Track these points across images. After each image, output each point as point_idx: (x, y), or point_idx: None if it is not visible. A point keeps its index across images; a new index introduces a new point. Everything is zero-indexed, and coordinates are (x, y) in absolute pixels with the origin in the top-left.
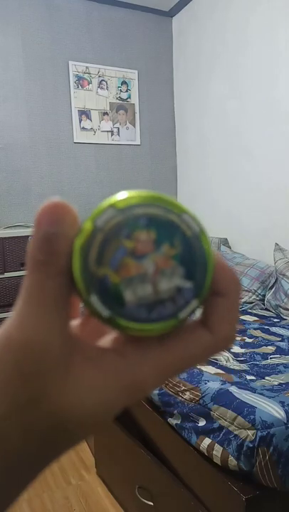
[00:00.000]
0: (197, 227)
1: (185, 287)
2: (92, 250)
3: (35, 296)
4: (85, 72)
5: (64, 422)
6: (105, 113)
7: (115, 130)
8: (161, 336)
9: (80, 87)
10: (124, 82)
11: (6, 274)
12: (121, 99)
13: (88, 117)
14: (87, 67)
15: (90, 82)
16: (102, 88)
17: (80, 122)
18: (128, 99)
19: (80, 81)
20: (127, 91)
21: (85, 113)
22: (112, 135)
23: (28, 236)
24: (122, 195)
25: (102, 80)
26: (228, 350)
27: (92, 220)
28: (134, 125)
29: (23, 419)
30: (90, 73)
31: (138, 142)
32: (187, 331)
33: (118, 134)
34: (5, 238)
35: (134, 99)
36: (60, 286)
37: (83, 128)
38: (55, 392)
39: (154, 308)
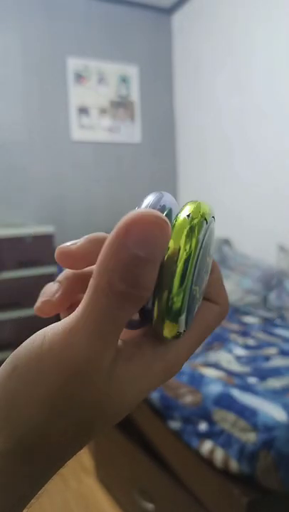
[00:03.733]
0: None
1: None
2: (194, 268)
3: (98, 322)
4: (84, 69)
5: (105, 416)
6: (105, 110)
7: (115, 128)
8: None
9: (78, 84)
10: (123, 79)
11: (4, 275)
12: (120, 96)
13: (87, 115)
14: (86, 64)
15: (89, 79)
16: (101, 85)
17: (78, 120)
18: (128, 97)
19: (78, 78)
20: (126, 88)
21: (83, 110)
22: (111, 133)
23: (25, 236)
24: (204, 207)
25: (102, 77)
26: (230, 352)
27: (196, 235)
28: (133, 122)
29: (62, 420)
30: (89, 70)
31: (138, 140)
32: (204, 306)
33: (118, 132)
34: (2, 238)
35: (134, 97)
36: (131, 315)
37: (82, 125)
38: (99, 396)
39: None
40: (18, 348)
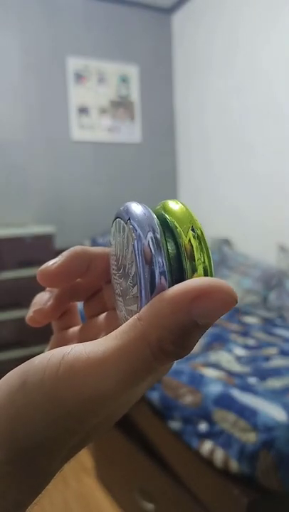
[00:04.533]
0: None
1: None
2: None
3: (133, 366)
4: (84, 69)
5: (111, 422)
6: (105, 110)
7: (115, 127)
8: None
9: (78, 84)
10: (124, 79)
11: (4, 275)
12: (121, 96)
13: (87, 114)
14: (86, 64)
15: (89, 79)
16: (101, 85)
17: (78, 119)
18: (128, 96)
19: (78, 78)
20: (126, 88)
21: (83, 110)
22: (111, 133)
23: (25, 236)
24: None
25: (102, 77)
26: (230, 352)
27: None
28: (133, 122)
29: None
30: (89, 70)
31: (138, 140)
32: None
33: (118, 132)
34: (2, 238)
35: (135, 96)
36: (166, 365)
37: (82, 125)
38: (110, 413)
39: None
40: (29, 361)
